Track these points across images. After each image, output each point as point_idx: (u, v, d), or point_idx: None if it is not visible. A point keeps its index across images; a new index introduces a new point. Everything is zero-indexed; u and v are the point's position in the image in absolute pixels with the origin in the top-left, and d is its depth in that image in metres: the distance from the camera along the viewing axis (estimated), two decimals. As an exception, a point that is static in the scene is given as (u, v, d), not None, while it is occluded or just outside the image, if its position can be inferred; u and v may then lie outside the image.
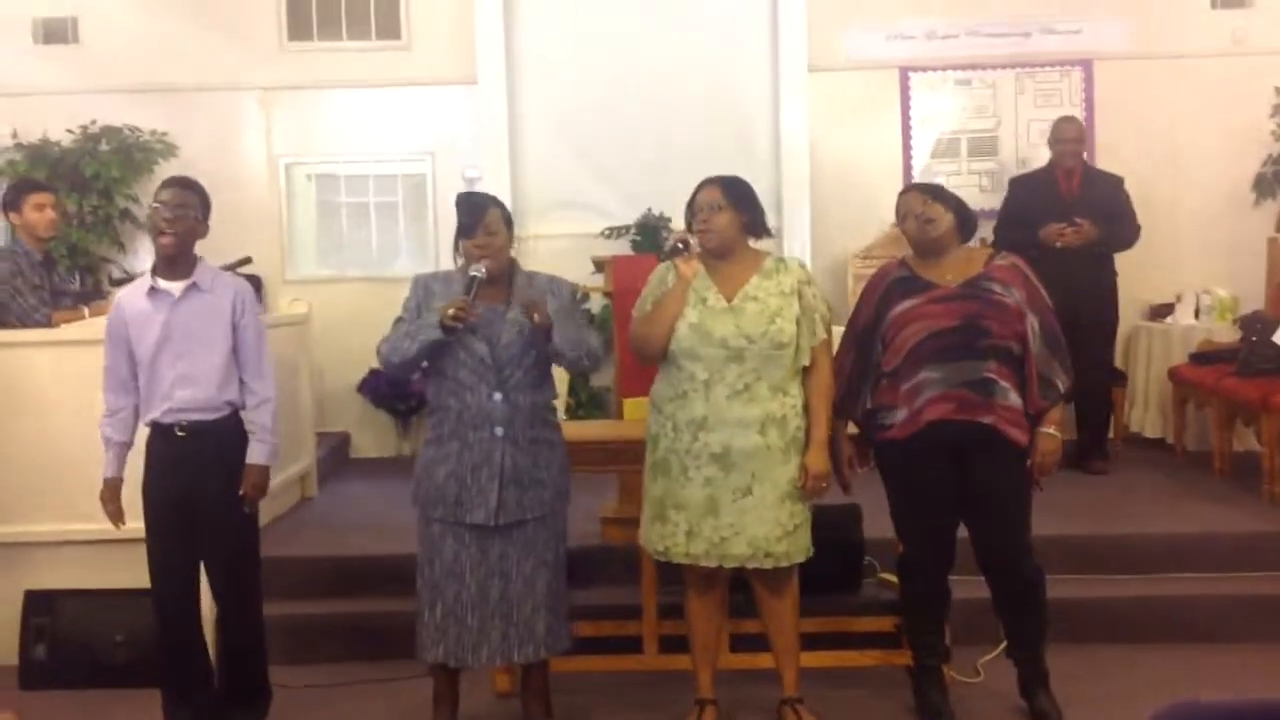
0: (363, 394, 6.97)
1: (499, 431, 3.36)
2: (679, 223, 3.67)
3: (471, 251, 3.38)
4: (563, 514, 3.53)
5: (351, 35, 7.12)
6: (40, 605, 4.31)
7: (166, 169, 6.56)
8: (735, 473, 3.37)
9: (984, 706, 3.77)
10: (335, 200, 7.39)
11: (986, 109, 7.06)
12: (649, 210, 6.84)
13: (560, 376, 3.84)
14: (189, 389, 3.49)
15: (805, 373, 3.45)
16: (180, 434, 3.50)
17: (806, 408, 3.45)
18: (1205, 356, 5.94)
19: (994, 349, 3.44)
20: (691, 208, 3.51)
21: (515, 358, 3.37)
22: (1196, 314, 6.50)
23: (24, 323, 4.60)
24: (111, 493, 3.60)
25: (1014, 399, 3.46)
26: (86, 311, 4.66)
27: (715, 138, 6.79)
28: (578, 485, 3.62)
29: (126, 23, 7.00)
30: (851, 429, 3.65)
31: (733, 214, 3.45)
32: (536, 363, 3.41)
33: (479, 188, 6.24)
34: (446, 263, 3.62)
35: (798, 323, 3.41)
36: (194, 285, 3.53)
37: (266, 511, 4.61)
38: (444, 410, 3.42)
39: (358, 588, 4.54)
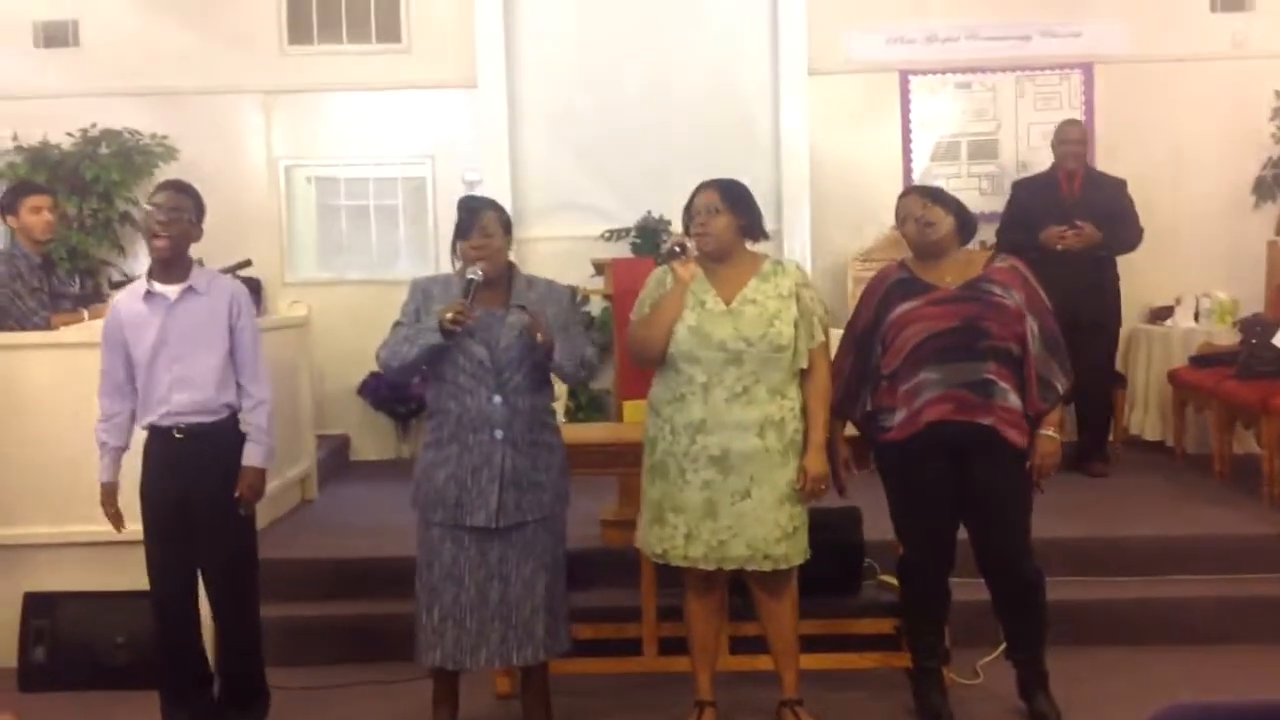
0: (363, 397, 6.97)
1: (499, 434, 3.36)
2: (679, 225, 3.66)
3: (467, 253, 3.38)
4: (562, 516, 3.53)
5: (352, 38, 7.14)
6: (40, 607, 4.30)
7: (166, 172, 6.55)
8: (734, 475, 3.37)
9: (983, 708, 3.77)
10: (335, 203, 7.39)
11: (986, 112, 7.06)
12: (649, 213, 6.84)
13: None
14: (186, 392, 3.50)
15: (803, 375, 3.45)
16: (178, 436, 3.50)
17: (804, 410, 3.45)
18: (1205, 359, 5.93)
19: (993, 350, 3.44)
20: (689, 211, 3.51)
21: (514, 361, 3.36)
22: (1196, 317, 6.49)
23: (23, 325, 4.61)
24: (109, 497, 3.61)
25: (1013, 400, 3.46)
26: (86, 314, 4.67)
27: (715, 140, 6.78)
28: (577, 488, 3.62)
29: (127, 26, 7.01)
30: (850, 431, 3.65)
31: (730, 217, 3.45)
32: (535, 366, 3.40)
33: (479, 191, 6.24)
34: (446, 265, 3.62)
35: (796, 325, 3.41)
36: (190, 288, 3.54)
37: (266, 514, 4.62)
38: (443, 413, 3.41)
39: (357, 590, 4.53)
